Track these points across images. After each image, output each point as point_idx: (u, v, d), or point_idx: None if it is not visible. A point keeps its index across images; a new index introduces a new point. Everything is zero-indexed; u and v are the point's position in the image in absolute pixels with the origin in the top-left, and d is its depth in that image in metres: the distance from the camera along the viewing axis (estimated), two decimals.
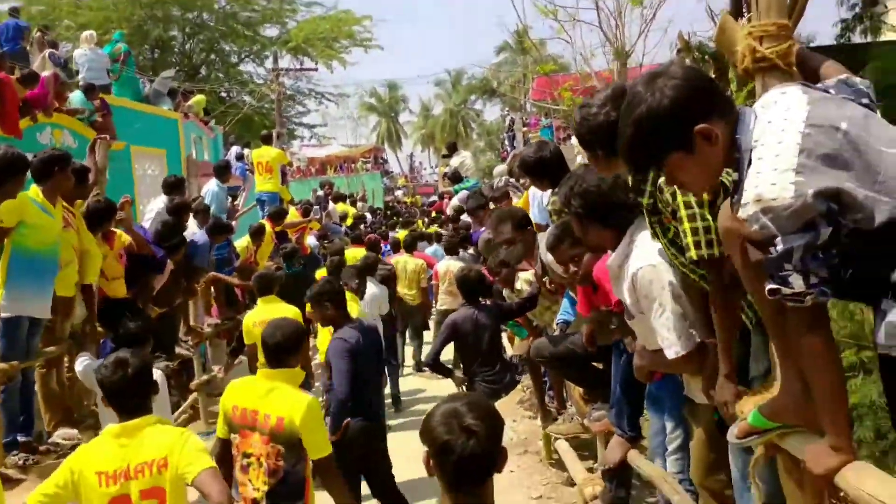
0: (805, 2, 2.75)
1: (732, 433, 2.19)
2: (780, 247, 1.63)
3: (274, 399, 3.46)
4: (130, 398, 2.89)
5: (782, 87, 1.85)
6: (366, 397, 4.51)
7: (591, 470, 4.73)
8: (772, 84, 2.08)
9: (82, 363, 4.98)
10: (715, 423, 2.85)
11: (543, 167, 4.10)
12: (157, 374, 4.40)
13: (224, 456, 3.59)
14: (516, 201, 7.04)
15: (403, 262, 9.68)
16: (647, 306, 2.67)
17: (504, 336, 6.96)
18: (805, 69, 2.14)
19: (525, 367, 5.69)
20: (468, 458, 1.71)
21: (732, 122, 1.82)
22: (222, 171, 10.34)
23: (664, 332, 2.60)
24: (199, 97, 15.36)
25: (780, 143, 1.66)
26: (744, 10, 2.21)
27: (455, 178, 12.72)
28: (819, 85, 1.90)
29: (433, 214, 18.08)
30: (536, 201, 5.46)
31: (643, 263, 2.63)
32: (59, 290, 5.21)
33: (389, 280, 8.65)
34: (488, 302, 5.75)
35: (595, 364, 4.27)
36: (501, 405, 6.25)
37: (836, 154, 1.61)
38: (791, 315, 1.73)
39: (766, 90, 2.09)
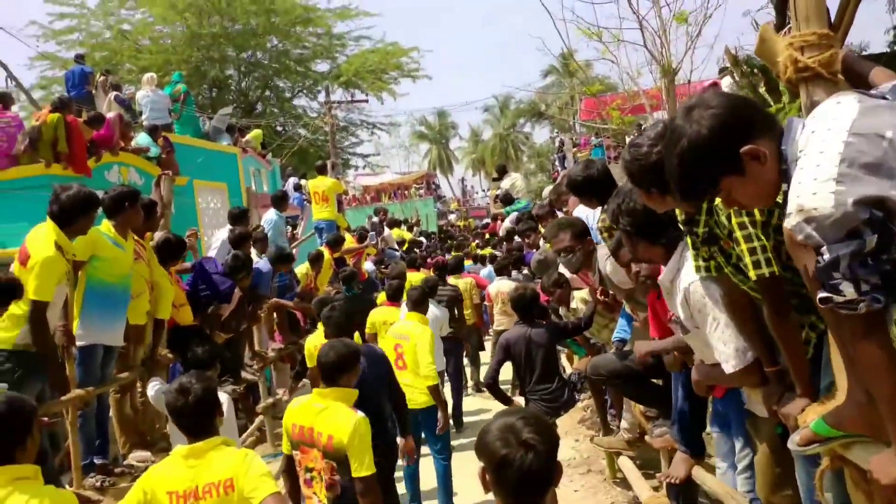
0: (854, 10, 2.76)
1: (794, 440, 2.16)
2: (826, 256, 1.63)
3: (326, 417, 3.61)
4: (195, 421, 3.03)
5: (838, 97, 1.84)
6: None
7: (656, 489, 4.69)
8: (818, 94, 2.09)
9: (153, 388, 5.19)
10: (778, 437, 2.82)
11: (591, 185, 4.11)
12: (224, 398, 4.59)
13: (289, 470, 3.85)
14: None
15: (454, 283, 9.78)
16: (701, 321, 2.65)
17: (563, 355, 6.95)
18: (852, 76, 2.12)
19: (585, 385, 5.68)
20: (526, 471, 1.72)
21: (777, 135, 1.84)
22: (280, 200, 10.63)
23: (720, 346, 2.58)
24: (257, 132, 15.77)
25: (821, 152, 1.67)
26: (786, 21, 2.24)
27: (507, 199, 12.75)
28: (875, 91, 1.89)
29: (486, 237, 18.14)
30: (586, 220, 5.48)
31: (695, 278, 2.61)
32: (132, 319, 5.46)
33: (453, 302, 8.77)
34: (543, 321, 5.77)
35: (654, 380, 4.26)
36: (562, 423, 6.25)
37: (879, 162, 1.61)
38: (846, 323, 1.71)
39: (811, 100, 2.10)
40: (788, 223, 1.70)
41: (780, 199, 1.97)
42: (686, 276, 2.67)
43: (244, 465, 2.95)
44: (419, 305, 6.34)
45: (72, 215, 4.73)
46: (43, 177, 8.31)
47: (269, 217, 10.23)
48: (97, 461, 5.21)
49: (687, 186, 1.95)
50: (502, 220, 13.73)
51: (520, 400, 6.09)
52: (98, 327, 5.14)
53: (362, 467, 3.51)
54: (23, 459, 2.63)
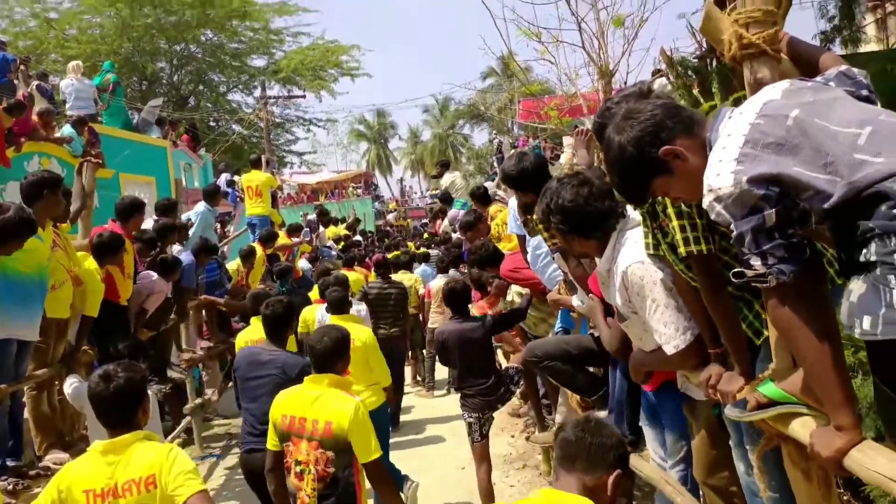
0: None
1: (736, 408, 2.17)
2: (734, 233, 1.72)
3: (321, 405, 3.52)
4: (117, 412, 2.82)
5: (776, 83, 1.90)
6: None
7: None
8: (762, 71, 2.09)
9: (71, 385, 4.92)
10: (716, 420, 2.83)
11: (525, 178, 4.07)
12: (150, 398, 4.36)
13: (276, 466, 3.68)
14: (501, 214, 7.02)
15: (399, 279, 9.66)
16: (639, 304, 2.65)
17: (499, 350, 6.92)
18: (801, 61, 2.17)
19: (521, 379, 5.65)
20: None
21: (703, 129, 1.95)
22: (212, 195, 10.28)
23: (661, 327, 2.59)
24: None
25: (729, 135, 1.78)
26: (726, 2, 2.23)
27: (445, 199, 12.61)
28: (819, 78, 1.94)
29: (424, 236, 18.06)
30: (514, 213, 5.46)
31: (631, 261, 2.63)
32: (51, 312, 5.12)
33: (400, 299, 8.70)
34: (476, 314, 5.72)
35: (589, 368, 4.24)
36: (498, 418, 6.20)
37: (782, 142, 1.68)
38: (765, 296, 1.79)
39: (755, 77, 2.10)
40: (703, 203, 1.80)
41: None
42: (623, 261, 2.68)
43: (168, 460, 2.75)
44: (341, 306, 6.06)
45: (2, 238, 4.44)
46: None
47: (198, 210, 9.88)
48: (10, 463, 4.86)
49: (626, 192, 2.14)
50: (442, 219, 13.64)
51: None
52: (12, 320, 4.75)
53: (369, 452, 3.45)
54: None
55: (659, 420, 3.38)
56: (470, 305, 5.78)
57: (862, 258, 1.56)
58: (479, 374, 5.36)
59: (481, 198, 8.02)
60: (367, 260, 11.88)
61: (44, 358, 5.25)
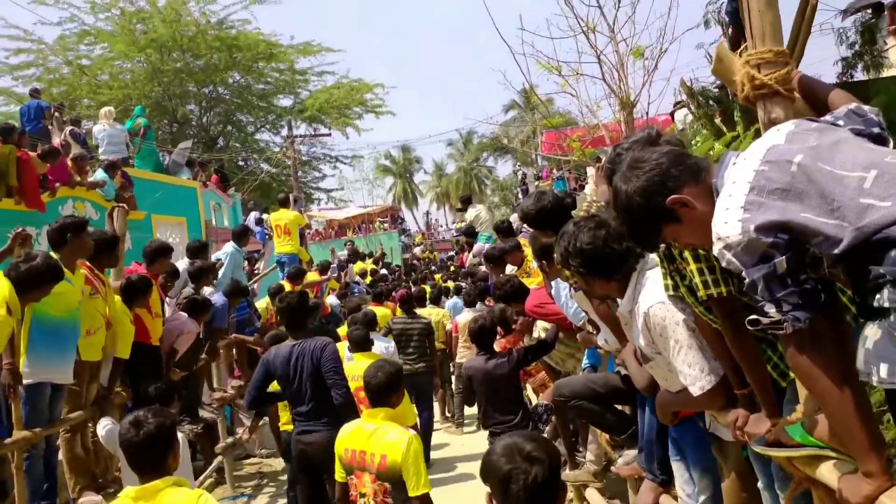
0: (806, 36, 2.79)
1: (760, 443, 2.15)
2: (746, 280, 1.70)
3: (378, 438, 3.66)
4: (148, 458, 2.88)
5: (781, 125, 1.90)
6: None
7: None
8: (775, 111, 2.10)
9: (104, 427, 4.98)
10: (745, 462, 2.78)
11: (544, 217, 4.06)
12: (180, 438, 4.42)
13: (343, 496, 3.87)
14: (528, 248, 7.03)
15: (427, 314, 9.67)
16: (663, 345, 2.63)
17: (528, 385, 6.88)
18: (810, 97, 2.15)
19: (551, 417, 5.60)
20: (532, 485, 1.72)
21: (709, 175, 1.95)
22: (241, 235, 10.45)
23: (686, 368, 2.55)
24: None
25: (734, 182, 1.78)
26: (741, 42, 2.25)
27: (469, 233, 12.65)
28: (828, 117, 1.92)
29: (451, 269, 18.08)
30: None
31: (653, 301, 2.61)
32: (85, 355, 5.25)
33: (424, 334, 8.66)
34: (500, 350, 5.70)
35: (618, 406, 4.20)
36: None
37: (787, 188, 1.67)
38: (783, 342, 1.77)
39: (769, 117, 2.11)
40: (713, 250, 1.79)
41: None
42: (644, 302, 2.65)
43: None
44: (363, 344, 6.15)
45: (28, 285, 4.61)
46: None
47: (227, 250, 10.05)
48: None
49: (637, 239, 2.16)
50: (468, 252, 13.65)
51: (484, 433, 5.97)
52: (45, 364, 4.91)
53: (419, 486, 3.54)
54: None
55: (685, 455, 3.34)
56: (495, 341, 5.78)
57: (876, 303, 1.54)
58: (505, 410, 5.32)
59: (505, 231, 8.04)
60: (393, 294, 11.94)
61: (77, 401, 5.36)
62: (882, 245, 1.53)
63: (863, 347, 1.58)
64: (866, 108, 1.92)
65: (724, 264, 1.77)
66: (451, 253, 28.02)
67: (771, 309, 1.67)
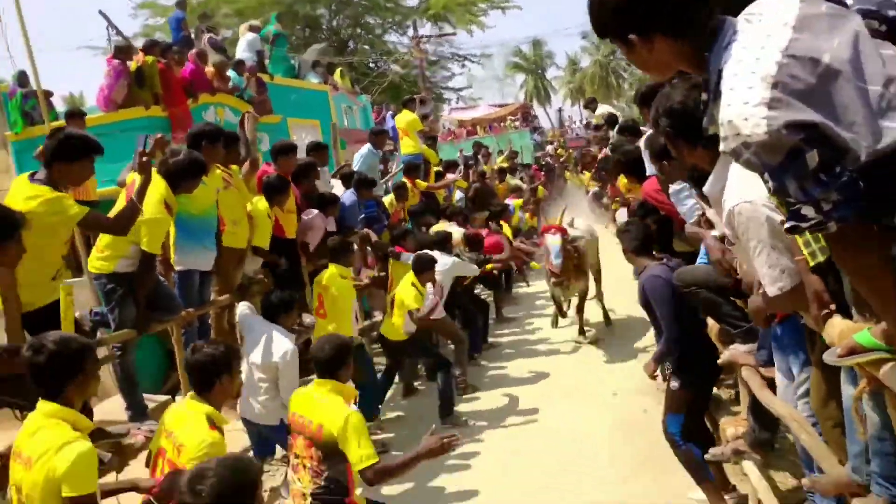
0: None
1: (833, 352, 2.05)
2: (770, 183, 1.53)
3: (319, 407, 3.67)
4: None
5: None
6: None
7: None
8: None
9: (241, 312, 5.50)
10: None
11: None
12: (290, 347, 4.89)
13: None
14: None
15: None
16: (745, 244, 2.51)
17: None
18: None
19: None
20: None
21: (694, 39, 1.74)
22: (377, 136, 10.76)
23: (765, 269, 2.44)
24: (337, 73, 15.89)
25: (753, 73, 1.53)
26: None
27: (612, 121, 12.06)
28: None
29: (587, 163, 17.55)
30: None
31: (739, 200, 2.46)
32: (228, 242, 5.94)
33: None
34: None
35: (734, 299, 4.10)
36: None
37: (811, 90, 1.47)
38: (831, 244, 1.63)
39: None
40: (726, 146, 1.57)
41: None
42: (730, 197, 2.52)
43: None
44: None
45: (178, 179, 5.15)
46: (143, 119, 8.82)
47: (362, 151, 10.40)
48: None
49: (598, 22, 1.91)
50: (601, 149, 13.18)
51: None
52: (188, 255, 5.57)
53: (363, 460, 3.49)
54: (73, 395, 2.74)
55: (786, 351, 3.28)
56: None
57: None
58: None
59: (630, 130, 7.77)
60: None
61: (225, 285, 6.06)
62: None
63: None
64: None
65: (740, 162, 1.57)
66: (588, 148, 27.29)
67: (809, 211, 1.50)
